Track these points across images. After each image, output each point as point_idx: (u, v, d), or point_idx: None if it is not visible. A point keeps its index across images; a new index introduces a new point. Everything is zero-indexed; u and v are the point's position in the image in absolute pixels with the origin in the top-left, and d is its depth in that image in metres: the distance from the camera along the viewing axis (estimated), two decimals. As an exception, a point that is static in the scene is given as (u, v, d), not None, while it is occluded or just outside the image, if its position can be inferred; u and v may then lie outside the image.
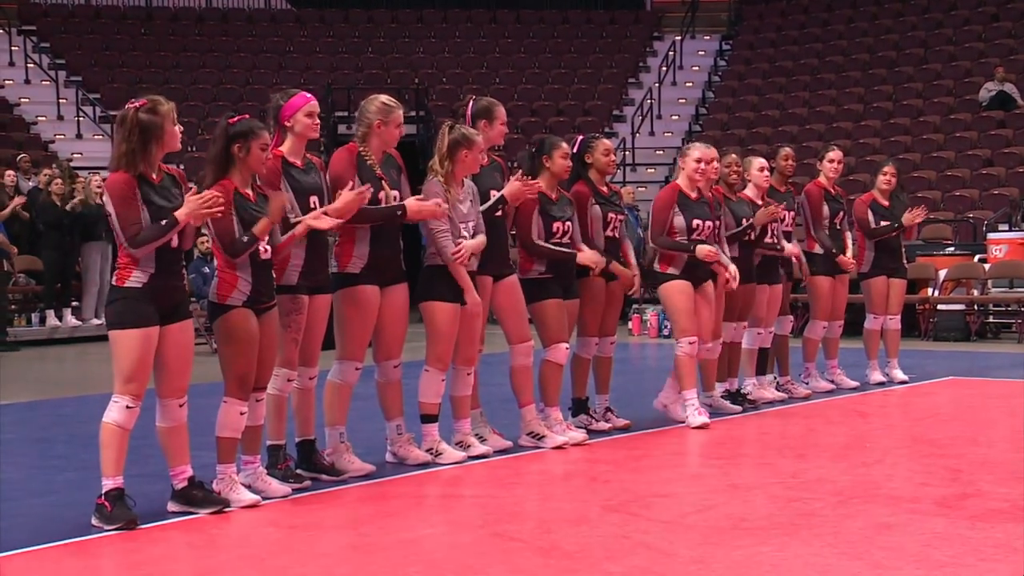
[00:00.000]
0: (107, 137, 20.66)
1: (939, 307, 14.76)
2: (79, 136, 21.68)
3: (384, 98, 6.64)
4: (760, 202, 9.03)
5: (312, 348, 6.38)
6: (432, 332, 6.82)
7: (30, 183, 16.87)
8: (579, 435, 7.50)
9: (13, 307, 16.21)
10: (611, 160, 7.93)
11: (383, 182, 6.51)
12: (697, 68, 25.99)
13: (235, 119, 5.90)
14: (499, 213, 7.10)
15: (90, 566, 5.13)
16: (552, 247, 7.40)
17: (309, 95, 6.32)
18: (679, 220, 8.00)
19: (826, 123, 22.43)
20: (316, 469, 6.44)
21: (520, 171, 7.17)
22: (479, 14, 27.23)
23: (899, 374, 10.15)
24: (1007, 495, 5.88)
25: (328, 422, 6.61)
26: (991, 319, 15.13)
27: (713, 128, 23.36)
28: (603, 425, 7.91)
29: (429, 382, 6.88)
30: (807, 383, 9.68)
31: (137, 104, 5.52)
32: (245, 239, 5.77)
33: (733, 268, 8.27)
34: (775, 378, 9.47)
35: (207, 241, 6.09)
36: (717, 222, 8.43)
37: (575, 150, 7.80)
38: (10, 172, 16.50)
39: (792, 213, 9.44)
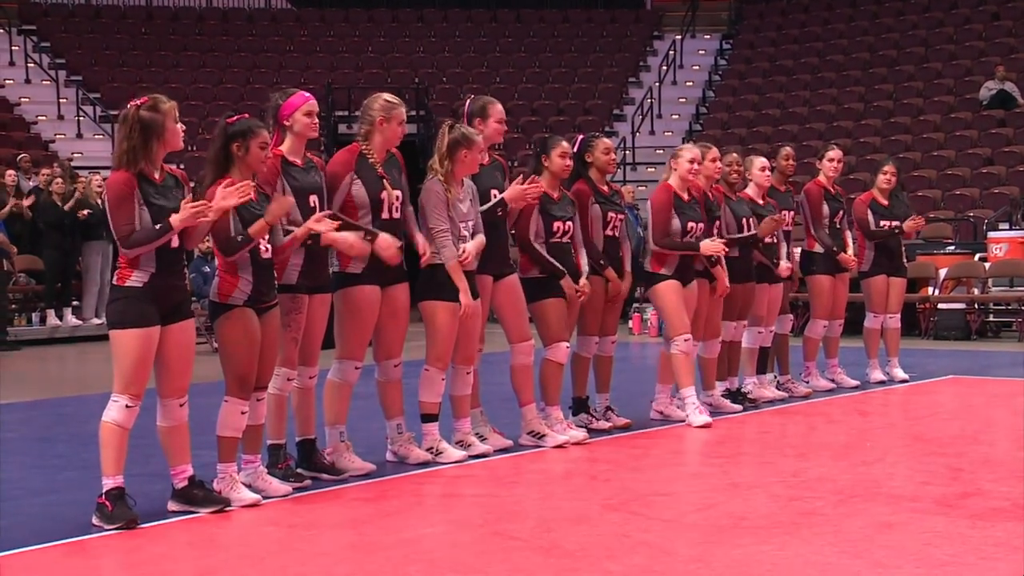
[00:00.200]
0: (107, 137, 20.67)
1: (939, 306, 14.76)
2: (79, 136, 21.69)
3: (386, 96, 6.65)
4: (761, 202, 9.04)
5: (312, 347, 6.38)
6: (432, 331, 6.82)
7: (30, 183, 16.88)
8: (579, 434, 7.50)
9: (14, 306, 16.22)
10: (611, 159, 7.93)
11: (384, 181, 6.51)
12: (697, 67, 25.99)
13: (234, 119, 5.91)
14: (499, 213, 7.10)
15: (90, 565, 5.14)
16: (546, 256, 7.38)
17: (308, 94, 6.32)
18: (675, 222, 8.01)
19: (826, 122, 22.43)
20: (316, 468, 6.45)
21: (521, 175, 7.16)
22: (479, 13, 27.23)
23: (899, 373, 10.15)
24: (1008, 494, 5.88)
25: (328, 421, 6.61)
26: (991, 318, 15.13)
27: (713, 127, 23.35)
28: (603, 424, 7.91)
29: (429, 381, 6.88)
30: (807, 382, 9.68)
31: (138, 102, 5.53)
32: (240, 238, 5.77)
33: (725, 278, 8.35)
34: (775, 377, 9.47)
35: (208, 241, 6.07)
36: (716, 222, 8.44)
37: (575, 149, 7.79)
38: (11, 172, 16.51)
39: (792, 212, 9.44)
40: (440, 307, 6.76)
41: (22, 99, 22.41)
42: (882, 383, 10.00)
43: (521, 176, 7.16)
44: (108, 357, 5.62)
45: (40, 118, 22.06)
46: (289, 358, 6.23)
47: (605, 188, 7.91)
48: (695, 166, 8.07)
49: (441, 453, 6.86)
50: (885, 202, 9.95)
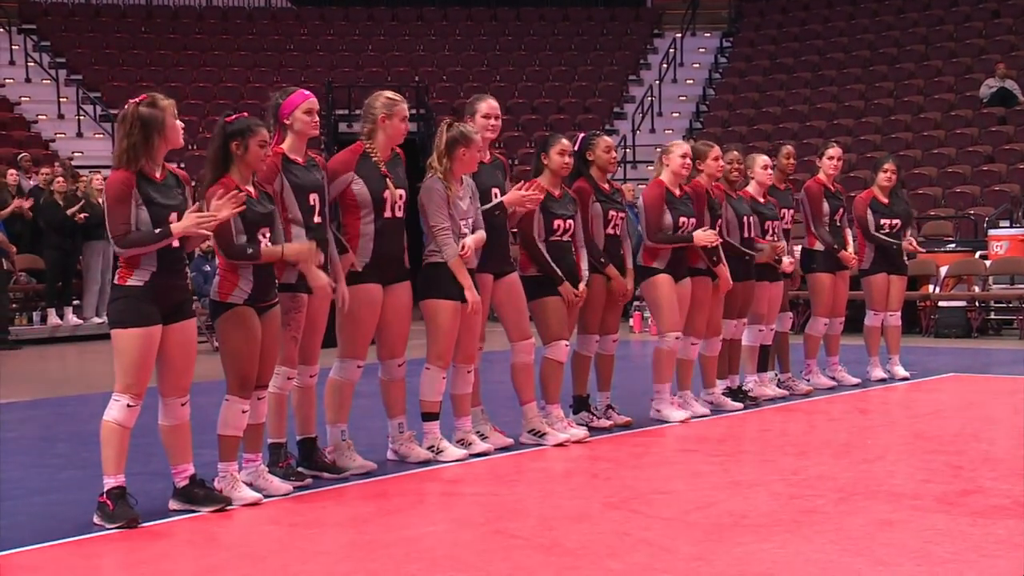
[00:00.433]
0: (107, 136, 20.67)
1: (940, 304, 14.76)
2: (79, 135, 21.68)
3: (388, 93, 6.65)
4: (762, 200, 9.05)
5: (312, 346, 6.38)
6: (433, 330, 6.82)
7: (31, 182, 16.88)
8: (580, 432, 7.50)
9: (14, 306, 16.23)
10: (612, 157, 7.92)
11: (387, 180, 6.51)
12: (698, 65, 25.98)
13: (232, 118, 5.91)
14: (497, 214, 7.11)
15: (91, 564, 5.14)
16: (548, 259, 7.38)
17: (308, 93, 6.32)
18: (667, 217, 8.02)
19: (827, 120, 22.42)
20: (317, 467, 6.45)
21: (523, 181, 7.16)
22: (479, 12, 27.22)
23: (900, 371, 10.15)
24: (1008, 491, 5.88)
25: (330, 420, 6.62)
26: (992, 315, 15.13)
27: (714, 125, 23.34)
28: (604, 422, 7.91)
29: (430, 380, 6.88)
30: (808, 380, 9.68)
31: (137, 100, 5.53)
32: (249, 251, 5.76)
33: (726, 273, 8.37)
34: (776, 375, 9.47)
35: (209, 240, 6.09)
36: (719, 220, 8.44)
37: (577, 148, 7.79)
38: (12, 171, 16.52)
39: (792, 210, 9.44)
40: (441, 305, 6.76)
41: (22, 98, 22.41)
42: (883, 381, 9.99)
43: (522, 181, 7.15)
44: (109, 356, 5.62)
45: (40, 117, 22.06)
46: (289, 357, 6.23)
47: (606, 186, 7.91)
48: (688, 160, 8.09)
49: (442, 452, 6.86)
50: (885, 200, 9.94)
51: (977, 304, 14.77)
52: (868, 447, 7.30)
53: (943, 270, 14.84)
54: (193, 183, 5.95)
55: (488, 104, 7.21)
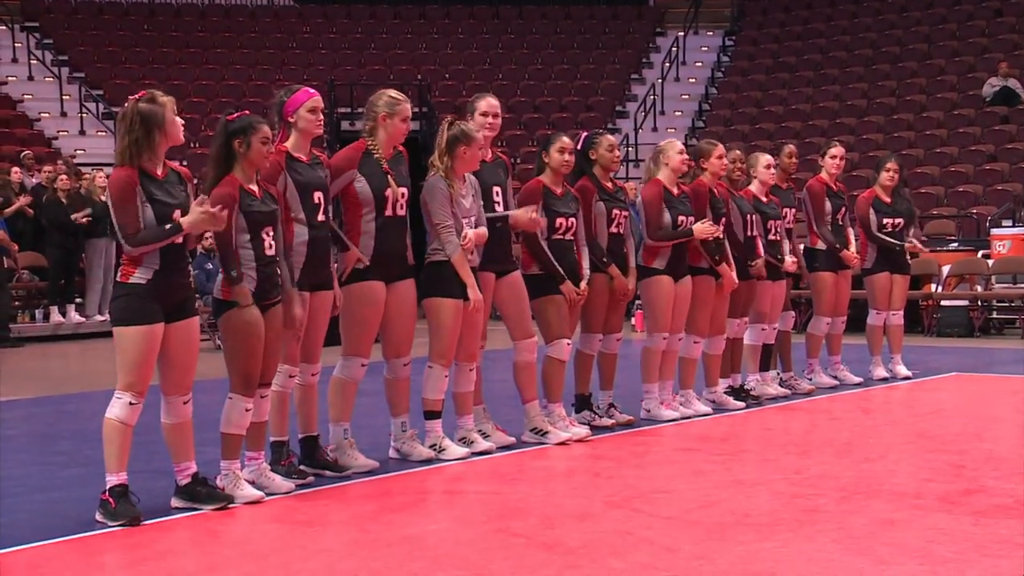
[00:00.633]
0: (110, 134, 20.66)
1: (942, 303, 14.76)
2: (82, 132, 21.69)
3: (391, 92, 6.65)
4: (764, 199, 9.05)
5: (314, 345, 6.38)
6: (435, 328, 6.82)
7: (33, 180, 16.90)
8: (582, 431, 7.50)
9: (17, 303, 16.24)
10: (615, 156, 7.93)
11: (389, 177, 6.51)
12: (700, 64, 25.97)
13: (234, 116, 5.91)
14: (500, 209, 7.10)
15: (93, 562, 5.13)
16: (550, 258, 7.38)
17: (312, 91, 6.31)
18: (666, 216, 8.03)
19: (829, 119, 22.41)
20: (319, 465, 6.45)
21: (533, 206, 7.17)
22: (482, 10, 27.22)
23: (902, 370, 10.15)
24: (1011, 491, 5.88)
25: (333, 418, 6.62)
26: (994, 315, 15.13)
27: (716, 124, 23.34)
28: (606, 421, 7.92)
29: (432, 378, 6.88)
30: (810, 379, 9.68)
31: (136, 97, 5.53)
32: (233, 274, 5.76)
33: (733, 274, 8.39)
34: (778, 374, 9.47)
35: (211, 237, 6.09)
36: (723, 219, 8.44)
37: (580, 146, 7.79)
38: (15, 169, 16.54)
39: (794, 210, 9.44)
40: (444, 304, 6.76)
41: (25, 96, 22.43)
42: (885, 380, 9.99)
43: (532, 208, 7.15)
44: (111, 354, 5.62)
45: (43, 115, 22.06)
46: (291, 355, 6.23)
47: (609, 185, 7.91)
48: (686, 155, 8.10)
49: (444, 450, 6.86)
50: (888, 199, 9.94)
51: (979, 303, 14.77)
52: (870, 446, 7.30)
53: (945, 269, 14.84)
54: (196, 181, 5.94)
55: (487, 102, 7.20)
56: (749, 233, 8.76)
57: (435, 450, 6.85)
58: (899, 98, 22.43)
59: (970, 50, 23.03)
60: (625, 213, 7.92)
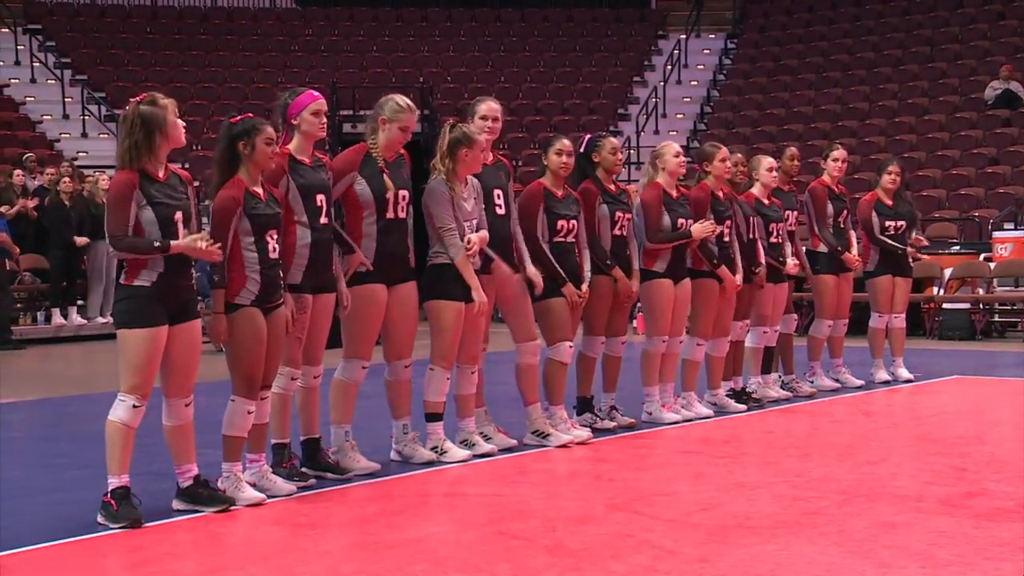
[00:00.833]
0: (112, 136, 20.64)
1: (944, 306, 14.75)
2: (84, 135, 21.68)
3: (400, 100, 6.60)
4: (766, 202, 9.05)
5: (316, 347, 6.38)
6: (437, 331, 6.82)
7: (35, 182, 16.91)
8: (584, 433, 7.50)
9: (18, 305, 16.25)
10: (618, 159, 7.93)
11: (384, 177, 6.49)
12: (702, 67, 25.97)
13: (237, 118, 5.92)
14: (502, 212, 7.10)
15: (95, 564, 5.14)
16: (551, 260, 7.39)
17: (316, 94, 6.31)
18: (665, 219, 8.03)
19: (831, 122, 22.40)
20: (321, 467, 6.45)
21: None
22: (484, 13, 27.23)
23: (904, 373, 10.14)
24: (1012, 494, 5.87)
25: (334, 420, 6.62)
26: (996, 318, 15.12)
27: (718, 127, 23.34)
28: (608, 424, 7.92)
29: (434, 381, 6.89)
30: (812, 382, 9.68)
31: (137, 99, 5.54)
32: (215, 278, 5.78)
33: (739, 277, 8.42)
34: (780, 377, 9.47)
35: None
36: (727, 222, 8.44)
37: (583, 149, 7.80)
38: (18, 171, 16.55)
39: (796, 212, 9.44)
40: (446, 306, 6.77)
41: (27, 98, 22.43)
42: (887, 383, 9.99)
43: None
44: (113, 356, 5.62)
45: (45, 117, 22.07)
46: (293, 358, 6.23)
47: (612, 187, 7.91)
48: (682, 159, 8.11)
49: (446, 452, 6.86)
50: (890, 202, 9.94)
51: (981, 306, 14.77)
52: (872, 449, 7.30)
53: (947, 272, 14.83)
54: (197, 183, 5.95)
55: (487, 106, 7.20)
56: (750, 236, 8.76)
57: (436, 452, 6.85)
58: (901, 101, 22.42)
59: (972, 53, 23.02)
60: (628, 215, 7.92)
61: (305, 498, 6.06)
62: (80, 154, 20.31)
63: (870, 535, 5.15)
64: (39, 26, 24.46)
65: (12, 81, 22.75)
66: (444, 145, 6.79)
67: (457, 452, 6.89)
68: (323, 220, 6.24)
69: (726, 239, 8.44)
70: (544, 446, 7.28)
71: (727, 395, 8.75)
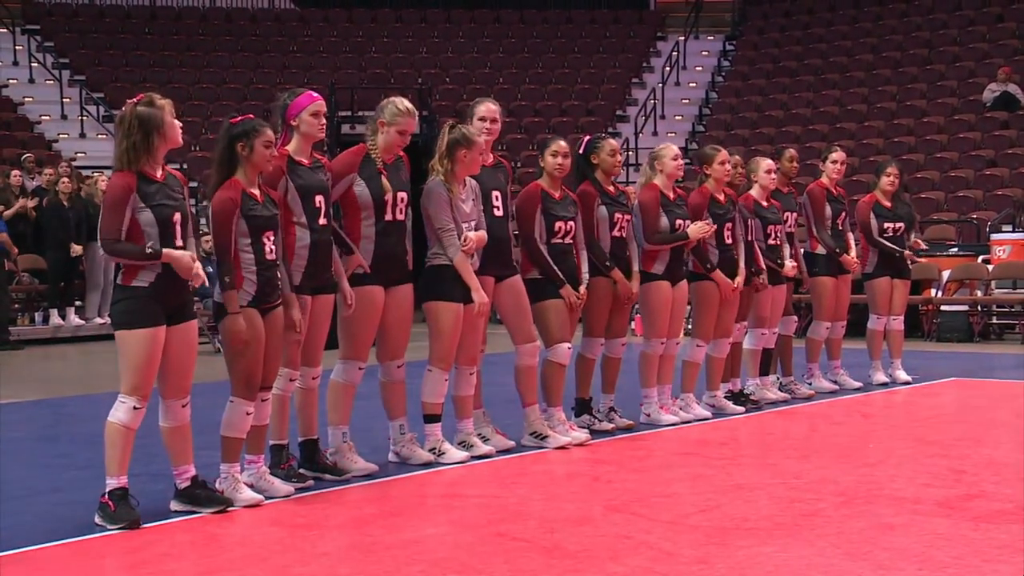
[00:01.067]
0: (110, 137, 20.62)
1: (942, 308, 14.75)
2: (83, 135, 21.69)
3: (400, 103, 6.58)
4: (765, 203, 9.05)
5: (315, 348, 6.38)
6: (435, 332, 6.82)
7: (34, 182, 16.91)
8: (582, 435, 7.50)
9: (17, 306, 16.24)
10: (617, 160, 7.92)
11: (382, 177, 6.49)
12: (700, 68, 25.98)
13: (237, 119, 5.91)
14: (500, 214, 7.10)
15: (93, 565, 5.14)
16: (549, 262, 7.39)
17: (316, 95, 6.31)
18: (663, 220, 8.04)
19: (830, 123, 22.42)
20: (319, 469, 6.45)
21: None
22: (483, 14, 27.24)
23: (902, 375, 10.15)
24: (1010, 496, 5.87)
25: (331, 421, 6.61)
26: (995, 320, 15.12)
27: (717, 128, 23.35)
28: (606, 425, 7.91)
29: (432, 382, 6.88)
30: (810, 383, 9.68)
31: (134, 101, 5.54)
32: (227, 280, 5.78)
33: (740, 279, 8.45)
34: (778, 378, 9.47)
35: (210, 241, 6.09)
36: (729, 224, 8.44)
37: (582, 151, 7.80)
38: (16, 172, 16.54)
39: (795, 214, 9.44)
40: (444, 308, 6.77)
41: (26, 99, 22.43)
42: (885, 385, 9.99)
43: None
44: (111, 357, 5.62)
45: (43, 118, 22.07)
46: (291, 359, 6.23)
47: (611, 189, 7.91)
48: (680, 161, 8.12)
49: (444, 454, 6.86)
50: (888, 204, 9.94)
51: (979, 308, 14.77)
52: (870, 451, 7.30)
53: (945, 274, 14.83)
54: (195, 184, 5.94)
55: (486, 107, 7.20)
56: (747, 239, 8.76)
57: (435, 454, 6.85)
58: (899, 103, 22.44)
59: (971, 55, 23.04)
60: (628, 217, 7.92)
61: (303, 499, 6.05)
62: (78, 154, 20.30)
63: (868, 537, 5.15)
64: (37, 26, 24.47)
65: (10, 81, 22.75)
66: (443, 146, 6.79)
67: (455, 453, 6.89)
68: (322, 221, 6.24)
69: (728, 241, 8.44)
70: (542, 448, 7.28)
71: (725, 397, 8.76)
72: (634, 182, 20.92)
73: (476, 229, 6.86)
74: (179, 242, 5.55)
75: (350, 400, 6.65)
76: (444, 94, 23.16)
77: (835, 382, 9.83)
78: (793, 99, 23.85)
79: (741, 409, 8.69)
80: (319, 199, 6.22)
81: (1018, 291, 15.02)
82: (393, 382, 6.77)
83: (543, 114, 23.98)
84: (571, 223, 7.51)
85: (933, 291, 14.90)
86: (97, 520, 5.50)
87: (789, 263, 9.16)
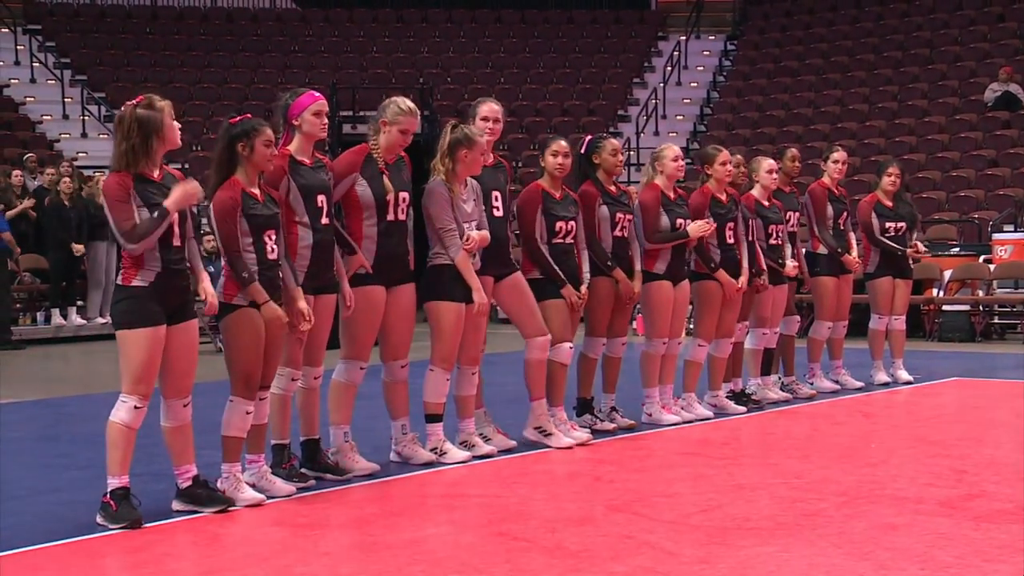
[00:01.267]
0: (112, 136, 20.66)
1: (944, 308, 14.75)
2: (84, 135, 21.70)
3: (402, 103, 6.58)
4: (766, 203, 9.05)
5: (317, 348, 6.38)
6: (437, 332, 6.82)
7: (35, 182, 16.92)
8: (583, 435, 7.50)
9: (18, 306, 16.25)
10: (618, 160, 7.92)
11: (383, 177, 6.49)
12: (702, 68, 25.98)
13: (236, 119, 5.91)
14: (499, 214, 7.10)
15: (94, 565, 5.14)
16: (550, 262, 7.39)
17: (318, 94, 6.31)
18: (664, 220, 8.03)
19: (831, 123, 22.42)
20: (320, 468, 6.45)
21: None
22: (484, 14, 27.24)
23: (904, 374, 10.14)
24: (1012, 496, 5.87)
25: (333, 421, 6.61)
26: (996, 320, 15.12)
27: (718, 128, 23.35)
28: (608, 425, 7.91)
29: (434, 382, 6.88)
30: (812, 383, 9.68)
31: (134, 102, 5.53)
32: (245, 276, 5.78)
33: (743, 279, 8.45)
34: (779, 378, 9.46)
35: (212, 240, 6.10)
36: (730, 224, 8.44)
37: (583, 150, 7.80)
38: (17, 172, 16.55)
39: (796, 214, 9.44)
40: (446, 308, 6.76)
41: (27, 98, 22.44)
42: (886, 385, 9.99)
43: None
44: (113, 357, 5.62)
45: (45, 117, 22.08)
46: (293, 358, 6.23)
47: (613, 189, 7.91)
48: (680, 162, 8.12)
49: (445, 453, 6.86)
50: (890, 204, 9.94)
51: (981, 308, 14.77)
52: (871, 451, 7.30)
53: (947, 274, 14.83)
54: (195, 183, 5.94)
55: (488, 107, 7.20)
56: (748, 239, 8.76)
57: (436, 453, 6.85)
58: (901, 103, 22.43)
59: (972, 55, 23.04)
60: (629, 217, 7.92)
61: (304, 499, 6.05)
62: (80, 154, 20.31)
63: (870, 537, 5.14)
64: (39, 26, 24.49)
65: (12, 81, 22.76)
66: (445, 145, 6.79)
67: (456, 453, 6.89)
68: (324, 221, 6.24)
69: (730, 241, 8.44)
70: (544, 444, 7.27)
71: (727, 397, 8.75)
72: (636, 182, 20.93)
73: (478, 229, 6.86)
74: (177, 242, 5.54)
75: (351, 400, 6.65)
76: (445, 94, 23.16)
77: (837, 382, 9.82)
78: (794, 99, 23.85)
79: (743, 409, 8.69)
80: (321, 199, 6.22)
81: (1020, 291, 15.01)
82: (396, 382, 6.77)
83: (544, 114, 23.98)
84: (572, 223, 7.51)
85: (935, 291, 14.89)
86: (99, 520, 5.50)
87: (790, 263, 9.15)
